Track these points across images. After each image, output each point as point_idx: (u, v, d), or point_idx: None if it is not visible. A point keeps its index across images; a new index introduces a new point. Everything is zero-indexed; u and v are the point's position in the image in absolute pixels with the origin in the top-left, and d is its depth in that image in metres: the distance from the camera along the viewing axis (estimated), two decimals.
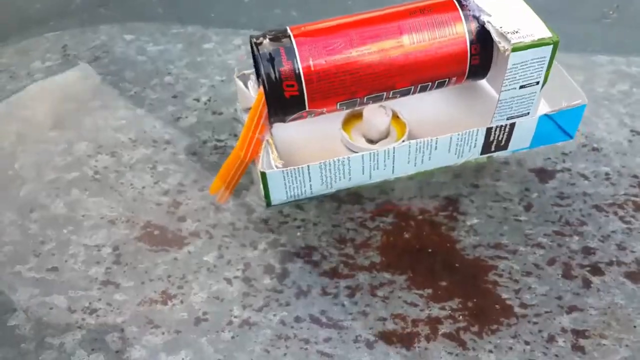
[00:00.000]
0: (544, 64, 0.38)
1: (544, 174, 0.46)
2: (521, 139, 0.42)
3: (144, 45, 0.59)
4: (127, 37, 0.60)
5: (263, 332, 0.37)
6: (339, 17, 0.39)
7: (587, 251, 0.41)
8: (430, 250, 0.41)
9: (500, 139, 0.42)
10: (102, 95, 0.53)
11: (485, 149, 0.42)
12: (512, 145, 0.43)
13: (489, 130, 0.41)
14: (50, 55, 0.58)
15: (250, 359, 0.35)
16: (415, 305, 0.38)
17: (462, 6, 0.39)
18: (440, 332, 0.36)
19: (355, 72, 0.38)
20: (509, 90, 0.38)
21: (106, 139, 0.49)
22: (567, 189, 0.45)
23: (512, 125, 0.41)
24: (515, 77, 0.38)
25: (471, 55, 0.39)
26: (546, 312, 0.37)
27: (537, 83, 0.39)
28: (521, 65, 0.37)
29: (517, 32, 0.37)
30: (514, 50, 0.36)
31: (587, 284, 0.39)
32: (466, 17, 0.38)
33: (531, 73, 0.38)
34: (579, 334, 0.36)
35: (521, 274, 0.39)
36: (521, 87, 0.38)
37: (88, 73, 0.56)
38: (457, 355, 0.35)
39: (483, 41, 0.38)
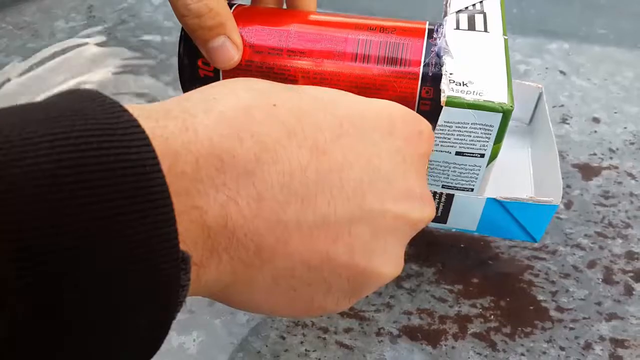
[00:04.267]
0: (490, 134, 0.29)
1: (588, 170, 0.43)
2: (464, 218, 0.34)
3: (171, 11, 0.56)
4: (155, 1, 0.58)
5: (280, 317, 0.35)
6: (291, 10, 0.34)
7: (631, 256, 0.38)
8: (462, 245, 0.38)
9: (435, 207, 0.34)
10: (126, 61, 0.51)
11: None
12: (452, 221, 0.34)
13: None
14: (75, 16, 0.56)
15: (265, 345, 0.33)
16: (444, 301, 0.35)
17: (431, 37, 0.31)
18: (469, 331, 0.34)
19: (280, 73, 0.31)
20: (440, 152, 0.31)
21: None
22: (613, 188, 0.42)
23: (450, 197, 0.33)
24: (448, 139, 0.30)
25: (420, 98, 0.30)
26: (584, 317, 0.35)
27: (482, 156, 0.30)
28: (457, 126, 0.29)
29: (466, 84, 0.29)
30: (448, 104, 0.29)
31: (629, 291, 0.36)
32: (428, 52, 0.30)
33: (472, 140, 0.30)
34: (617, 343, 0.34)
35: (559, 276, 0.37)
36: (458, 153, 0.30)
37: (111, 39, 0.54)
38: (486, 356, 0.33)
39: (439, 86, 0.30)
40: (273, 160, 0.21)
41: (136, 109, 0.18)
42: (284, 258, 0.22)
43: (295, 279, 0.23)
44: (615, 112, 0.48)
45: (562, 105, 0.48)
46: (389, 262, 0.25)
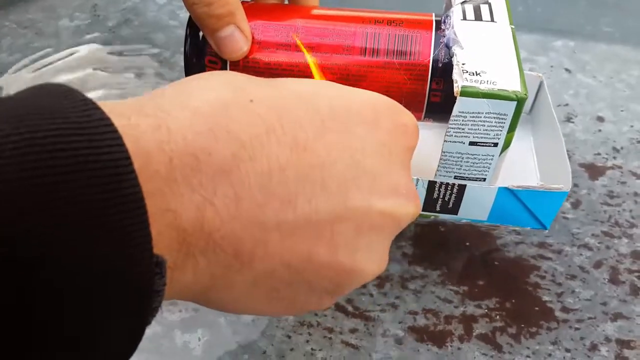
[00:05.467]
0: (504, 123, 0.29)
1: (593, 170, 0.43)
2: (475, 208, 0.34)
3: (176, 10, 0.56)
4: (159, 0, 0.58)
5: (285, 317, 0.35)
6: (295, 5, 0.34)
7: (637, 255, 0.38)
8: (467, 244, 0.38)
9: (446, 198, 0.34)
10: (131, 60, 0.51)
11: (428, 205, 0.34)
12: (463, 212, 0.34)
13: (432, 184, 0.33)
14: (79, 14, 0.56)
15: (271, 344, 0.33)
16: (449, 302, 0.35)
17: (439, 29, 0.31)
18: (474, 333, 0.34)
19: (289, 69, 0.31)
20: (454, 143, 0.30)
21: None
22: (618, 188, 0.42)
23: (462, 187, 0.33)
24: (462, 129, 0.30)
25: (430, 90, 0.31)
26: (589, 318, 0.35)
27: (495, 145, 0.30)
28: (471, 116, 0.29)
29: (479, 74, 0.29)
30: (463, 94, 0.29)
31: (635, 290, 0.36)
32: (437, 43, 0.31)
33: (486, 130, 0.30)
34: (623, 343, 0.34)
35: (565, 276, 0.37)
36: (471, 143, 0.30)
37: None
38: (491, 357, 0.33)
39: (449, 77, 0.30)
40: (250, 158, 0.20)
41: (108, 106, 0.17)
42: (263, 260, 0.21)
43: (276, 280, 0.22)
44: (622, 111, 0.48)
45: (567, 105, 0.48)
46: (372, 259, 0.24)
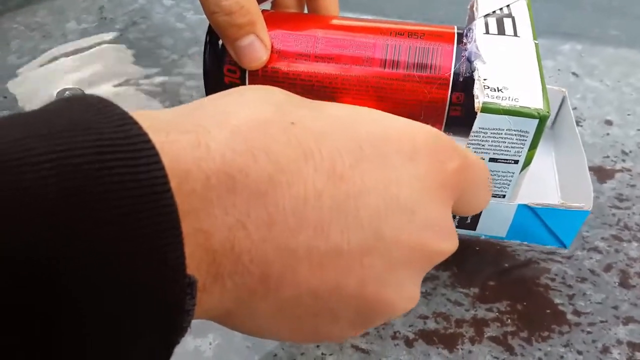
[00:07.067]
0: (525, 140, 0.29)
1: (602, 173, 0.43)
2: (494, 224, 0.33)
3: (183, 13, 0.56)
4: (166, 2, 0.58)
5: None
6: (315, 15, 0.34)
7: None
8: (477, 248, 0.38)
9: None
10: (138, 61, 0.51)
11: None
12: (481, 228, 0.34)
13: None
14: (86, 17, 0.56)
15: (282, 348, 0.33)
16: (460, 305, 0.35)
17: (460, 42, 0.31)
18: (486, 335, 0.34)
19: (308, 79, 0.31)
20: None
21: (141, 106, 0.47)
22: (627, 191, 0.42)
23: None
24: (482, 145, 0.29)
25: (451, 104, 0.30)
26: (601, 321, 0.35)
27: (516, 162, 0.30)
28: (492, 132, 0.29)
29: (501, 90, 0.28)
30: (484, 110, 0.28)
31: None
32: (458, 57, 0.30)
33: (507, 147, 0.29)
34: (635, 347, 0.34)
35: (575, 279, 0.37)
36: (492, 159, 0.30)
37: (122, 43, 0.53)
38: None
39: (470, 91, 0.29)
40: (287, 182, 0.20)
41: (146, 119, 0.17)
42: (290, 287, 0.21)
43: (301, 309, 0.22)
44: (629, 114, 0.48)
45: (575, 108, 0.48)
46: (402, 295, 0.23)
